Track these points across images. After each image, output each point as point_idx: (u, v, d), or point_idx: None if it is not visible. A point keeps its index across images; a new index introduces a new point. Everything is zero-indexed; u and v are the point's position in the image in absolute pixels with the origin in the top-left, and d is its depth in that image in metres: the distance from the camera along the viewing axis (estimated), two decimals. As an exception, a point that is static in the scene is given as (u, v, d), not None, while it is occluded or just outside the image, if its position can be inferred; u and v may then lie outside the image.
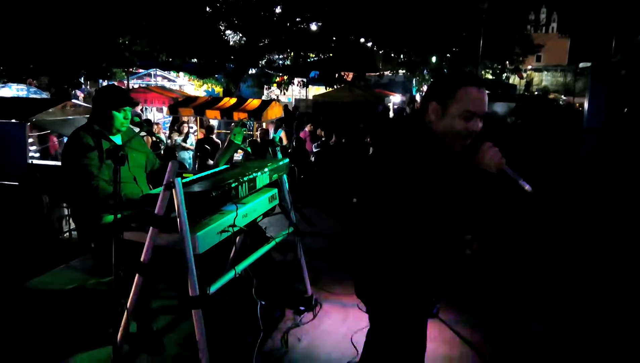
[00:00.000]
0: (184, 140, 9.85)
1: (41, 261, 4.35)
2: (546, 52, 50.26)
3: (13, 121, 5.42)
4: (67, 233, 5.41)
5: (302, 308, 3.67)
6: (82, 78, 17.26)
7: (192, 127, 11.29)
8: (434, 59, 27.48)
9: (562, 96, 37.61)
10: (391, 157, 1.80)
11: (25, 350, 3.05)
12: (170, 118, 12.13)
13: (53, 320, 3.36)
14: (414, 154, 1.74)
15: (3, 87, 13.32)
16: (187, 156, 9.67)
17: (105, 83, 18.08)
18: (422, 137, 1.81)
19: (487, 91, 1.82)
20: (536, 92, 44.58)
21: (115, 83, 20.35)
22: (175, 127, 10.49)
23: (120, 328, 2.65)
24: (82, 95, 18.14)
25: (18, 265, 4.25)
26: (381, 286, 1.91)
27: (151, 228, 2.50)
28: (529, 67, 48.39)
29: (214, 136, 9.73)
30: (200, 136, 10.49)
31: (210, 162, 8.09)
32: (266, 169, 3.15)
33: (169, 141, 9.91)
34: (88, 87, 21.00)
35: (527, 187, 1.68)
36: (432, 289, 1.97)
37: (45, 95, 13.90)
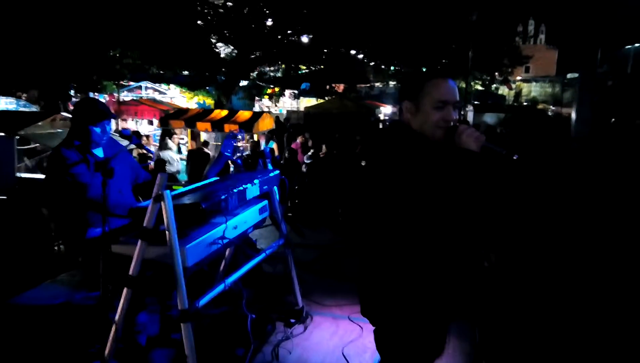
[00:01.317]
0: (178, 151, 9.87)
1: (28, 276, 4.28)
2: (534, 63, 50.96)
3: (1, 134, 5.38)
4: (56, 247, 5.34)
5: (292, 320, 3.64)
6: (72, 91, 17.18)
7: (182, 138, 11.31)
8: (424, 70, 27.81)
9: (551, 106, 38.05)
10: (379, 167, 1.79)
11: (10, 367, 2.99)
12: (160, 130, 12.12)
13: (39, 335, 3.30)
14: (399, 157, 1.75)
15: (-8, 100, 13.26)
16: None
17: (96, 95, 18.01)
18: (402, 138, 1.84)
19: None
20: (525, 103, 45.07)
21: (106, 96, 20.31)
22: (167, 139, 10.48)
23: (108, 343, 2.61)
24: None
25: (4, 279, 4.19)
26: (390, 305, 1.83)
27: (140, 241, 2.48)
28: (518, 78, 48.99)
29: (205, 149, 9.73)
30: (190, 147, 10.49)
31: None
32: (256, 181, 3.14)
33: (160, 152, 9.89)
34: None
35: (513, 156, 1.70)
36: (447, 306, 1.85)
37: (34, 108, 13.83)
